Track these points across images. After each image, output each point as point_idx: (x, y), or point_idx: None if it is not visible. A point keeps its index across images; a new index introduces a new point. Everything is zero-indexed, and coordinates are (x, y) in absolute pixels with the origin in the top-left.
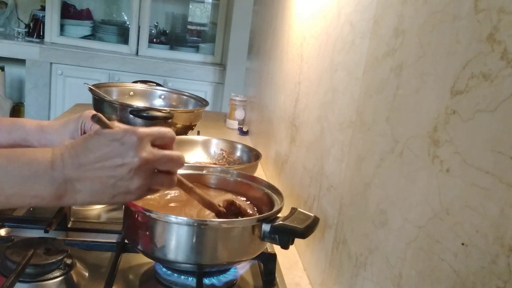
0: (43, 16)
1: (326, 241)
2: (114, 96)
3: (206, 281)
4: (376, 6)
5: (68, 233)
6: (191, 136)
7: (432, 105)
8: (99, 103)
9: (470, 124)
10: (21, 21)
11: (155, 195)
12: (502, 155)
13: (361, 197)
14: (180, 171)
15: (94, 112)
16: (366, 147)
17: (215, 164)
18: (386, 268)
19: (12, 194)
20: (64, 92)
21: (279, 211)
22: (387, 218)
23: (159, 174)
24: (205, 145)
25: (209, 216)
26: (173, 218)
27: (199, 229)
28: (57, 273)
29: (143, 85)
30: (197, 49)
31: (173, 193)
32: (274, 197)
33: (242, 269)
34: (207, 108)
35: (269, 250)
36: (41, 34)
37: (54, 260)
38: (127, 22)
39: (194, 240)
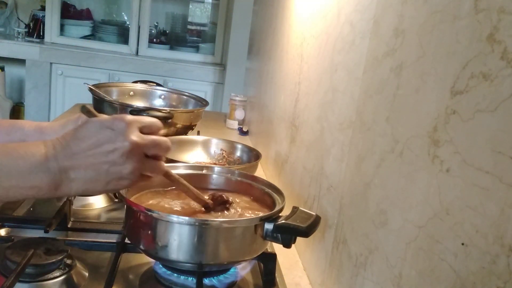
0: (43, 16)
1: (326, 241)
2: (114, 96)
3: (206, 281)
4: (376, 6)
5: (68, 233)
6: (191, 136)
7: (432, 105)
8: (99, 103)
9: (470, 124)
10: (21, 21)
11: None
12: (502, 155)
13: (361, 197)
14: (181, 171)
15: None
16: (366, 147)
17: (215, 164)
18: (386, 268)
19: (9, 186)
20: (64, 92)
21: (281, 210)
22: (387, 218)
23: (149, 159)
24: (205, 145)
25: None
26: (175, 218)
27: (201, 228)
28: (57, 273)
29: (143, 85)
30: (197, 49)
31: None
32: (275, 196)
33: (242, 270)
34: (207, 108)
35: (269, 250)
36: (41, 34)
37: (54, 260)
38: (127, 22)
39: (196, 239)
